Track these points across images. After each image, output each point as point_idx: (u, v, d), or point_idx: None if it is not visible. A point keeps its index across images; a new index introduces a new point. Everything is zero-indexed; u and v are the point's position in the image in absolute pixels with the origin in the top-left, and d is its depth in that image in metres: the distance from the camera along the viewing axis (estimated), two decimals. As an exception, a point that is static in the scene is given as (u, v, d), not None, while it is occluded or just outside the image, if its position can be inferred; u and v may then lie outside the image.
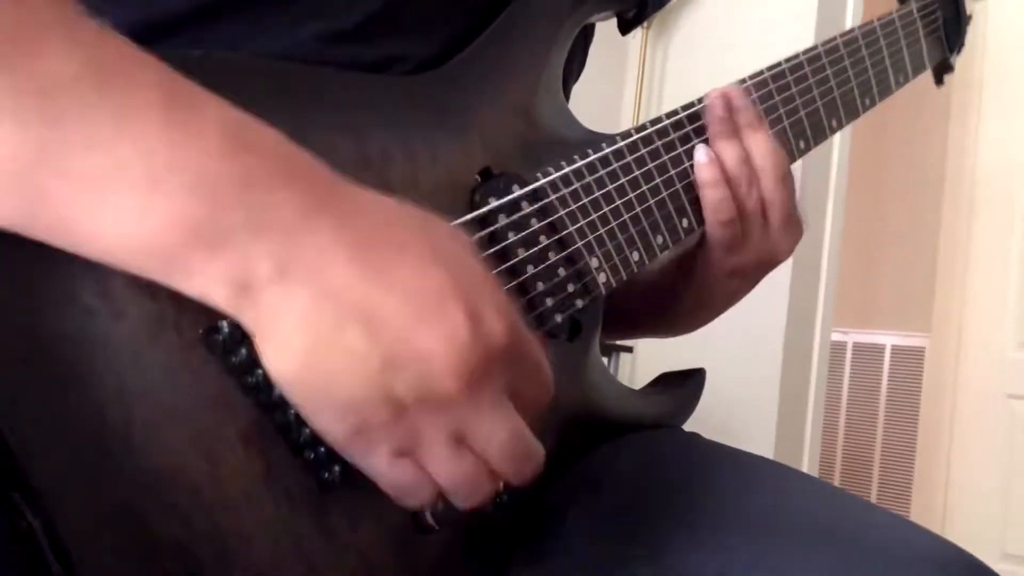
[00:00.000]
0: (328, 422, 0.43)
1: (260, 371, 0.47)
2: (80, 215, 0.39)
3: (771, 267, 0.75)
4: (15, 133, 0.37)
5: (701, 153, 0.70)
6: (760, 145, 0.71)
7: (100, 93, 0.38)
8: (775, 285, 2.42)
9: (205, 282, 0.41)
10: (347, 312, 0.41)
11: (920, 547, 0.55)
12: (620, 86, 2.91)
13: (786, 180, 0.72)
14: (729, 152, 0.70)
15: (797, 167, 0.76)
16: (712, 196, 0.70)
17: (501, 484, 0.48)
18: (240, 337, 0.46)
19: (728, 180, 0.70)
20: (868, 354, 4.05)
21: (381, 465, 0.45)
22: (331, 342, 0.41)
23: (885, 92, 0.86)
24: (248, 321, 0.42)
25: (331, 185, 0.44)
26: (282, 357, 0.42)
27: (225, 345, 0.46)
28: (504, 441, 0.45)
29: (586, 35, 0.77)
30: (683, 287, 0.77)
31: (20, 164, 0.37)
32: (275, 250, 0.40)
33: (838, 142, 2.53)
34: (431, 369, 0.42)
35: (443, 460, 0.45)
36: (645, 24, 2.76)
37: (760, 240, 0.72)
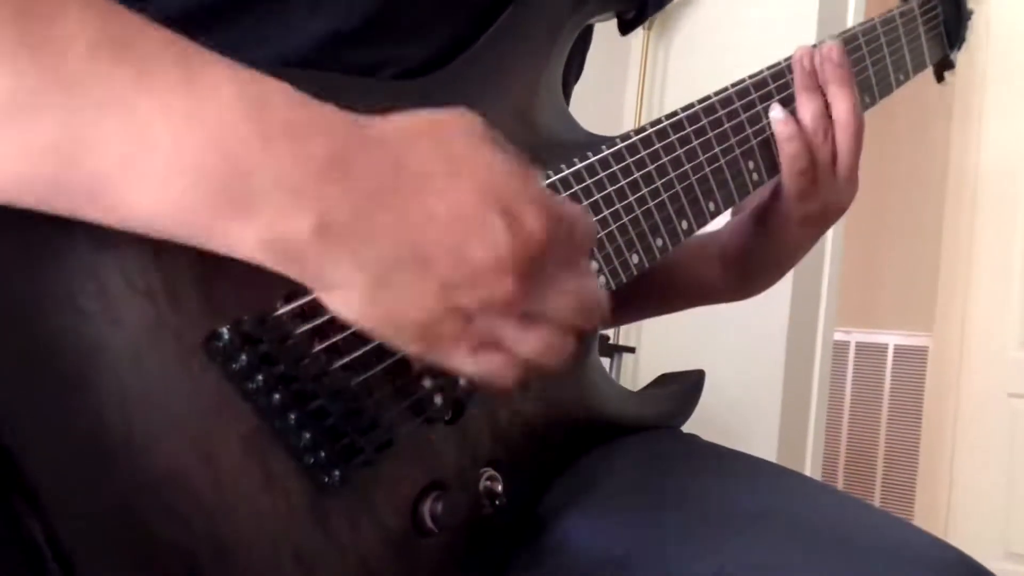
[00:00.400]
0: (405, 343, 0.45)
1: (260, 377, 0.47)
2: (107, 181, 0.39)
3: (836, 216, 0.81)
4: (38, 103, 0.37)
5: (777, 110, 0.76)
6: (845, 100, 0.77)
7: (117, 61, 0.38)
8: (777, 285, 2.42)
9: (244, 245, 0.41)
10: (393, 254, 0.43)
11: (919, 548, 0.55)
12: (622, 87, 2.90)
13: (860, 134, 0.78)
14: (812, 104, 0.77)
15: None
16: (789, 149, 0.76)
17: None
18: (240, 344, 0.47)
19: (805, 132, 0.76)
20: (871, 353, 4.04)
21: (465, 363, 0.47)
22: (386, 284, 0.43)
23: (886, 91, 0.85)
24: (298, 276, 0.43)
25: (350, 128, 0.44)
26: (343, 304, 0.43)
27: (225, 352, 0.46)
28: (571, 305, 0.48)
29: (584, 38, 0.77)
30: (762, 240, 0.82)
31: (45, 140, 0.38)
32: (308, 211, 0.41)
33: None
34: (485, 279, 0.44)
35: (521, 340, 0.47)
36: (646, 25, 2.76)
37: (828, 189, 0.78)
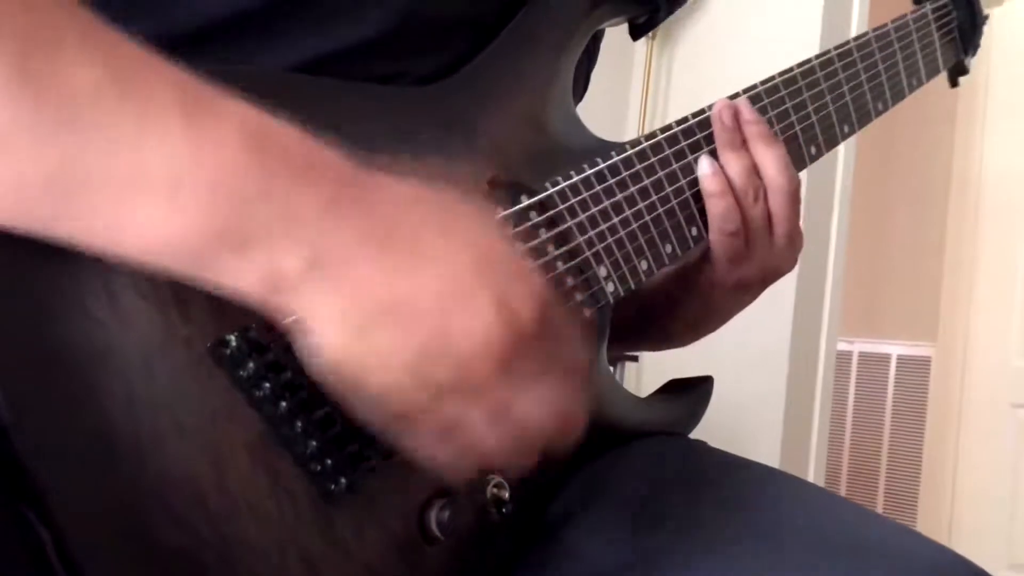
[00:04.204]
0: (369, 410, 0.44)
1: (267, 385, 0.47)
2: (104, 220, 0.39)
3: (773, 280, 0.75)
4: (38, 143, 0.37)
5: (705, 164, 0.70)
6: (774, 159, 0.71)
7: (120, 99, 0.38)
8: (780, 294, 2.42)
9: (235, 281, 0.41)
10: (379, 306, 0.42)
11: (924, 557, 0.55)
12: (626, 95, 2.90)
13: (795, 196, 0.72)
14: (736, 162, 0.70)
15: (802, 174, 0.76)
16: (717, 206, 0.69)
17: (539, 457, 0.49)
18: (248, 351, 0.47)
19: (734, 191, 0.70)
20: (874, 363, 4.04)
21: (424, 446, 0.45)
22: (365, 335, 0.42)
23: (898, 96, 0.85)
24: (281, 317, 0.42)
25: (354, 177, 0.44)
26: (319, 351, 0.42)
27: (233, 359, 0.46)
28: (543, 412, 0.46)
29: (590, 55, 0.77)
30: (684, 299, 0.77)
31: (43, 173, 0.37)
32: (303, 247, 0.41)
33: (843, 149, 2.52)
34: (464, 356, 0.43)
35: (485, 436, 0.45)
36: (650, 34, 2.77)
37: (764, 253, 0.72)
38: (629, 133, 2.81)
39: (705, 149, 0.70)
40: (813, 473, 2.59)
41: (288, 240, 0.41)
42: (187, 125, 0.39)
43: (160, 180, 0.39)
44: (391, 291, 0.42)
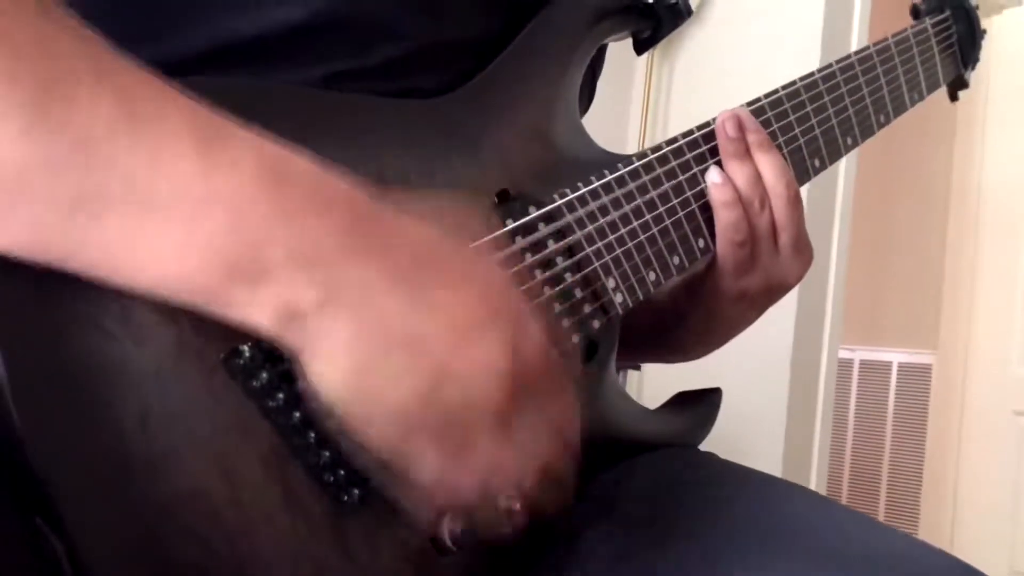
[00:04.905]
0: (370, 444, 0.44)
1: (281, 395, 0.47)
2: (118, 254, 0.39)
3: (780, 293, 0.75)
4: (54, 180, 0.37)
5: (714, 174, 0.70)
6: (772, 166, 0.71)
7: (134, 135, 0.39)
8: (782, 301, 2.41)
9: (249, 312, 0.41)
10: (391, 338, 0.42)
11: (929, 565, 0.55)
12: (626, 107, 2.91)
13: (797, 203, 0.72)
14: (741, 172, 0.71)
15: (804, 184, 0.77)
16: (727, 216, 0.70)
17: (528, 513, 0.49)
18: (261, 361, 0.47)
19: (741, 200, 0.70)
20: (875, 371, 4.03)
21: (413, 495, 0.46)
22: (375, 366, 0.42)
23: (900, 110, 0.85)
24: (292, 346, 0.43)
25: (371, 211, 0.44)
26: (327, 379, 0.42)
27: (246, 369, 0.46)
28: (535, 467, 0.47)
29: (594, 68, 0.77)
30: (691, 311, 0.77)
31: (58, 209, 0.38)
32: (318, 280, 0.41)
33: (844, 159, 2.52)
34: (469, 394, 0.43)
35: (475, 486, 0.46)
36: (651, 43, 2.76)
37: (769, 263, 0.72)
38: (630, 145, 2.81)
39: (710, 161, 0.71)
40: (815, 480, 2.59)
41: (303, 273, 0.41)
42: (202, 159, 0.40)
43: (175, 214, 0.39)
44: (403, 323, 0.42)
